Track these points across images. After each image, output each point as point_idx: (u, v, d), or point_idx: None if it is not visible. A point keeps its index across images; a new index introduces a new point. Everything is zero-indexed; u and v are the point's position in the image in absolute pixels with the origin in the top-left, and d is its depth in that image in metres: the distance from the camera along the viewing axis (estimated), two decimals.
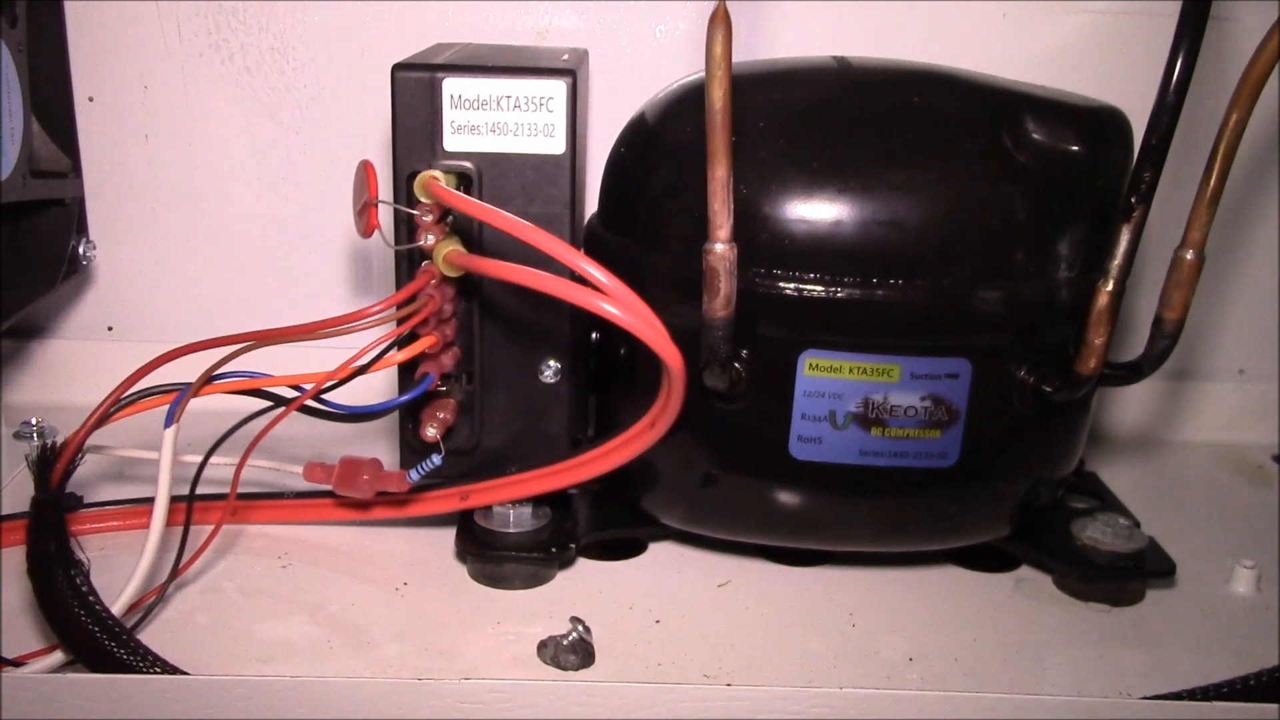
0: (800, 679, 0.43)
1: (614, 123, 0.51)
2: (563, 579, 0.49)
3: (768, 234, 0.44)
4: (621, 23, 0.62)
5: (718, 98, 0.39)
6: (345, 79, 0.61)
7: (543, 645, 0.44)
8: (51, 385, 0.64)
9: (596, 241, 0.50)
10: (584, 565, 0.50)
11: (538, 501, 0.49)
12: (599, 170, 0.51)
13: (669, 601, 0.48)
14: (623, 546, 0.52)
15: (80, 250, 0.56)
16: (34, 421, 0.59)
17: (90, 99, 0.60)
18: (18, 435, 0.59)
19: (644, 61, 0.62)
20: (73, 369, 0.64)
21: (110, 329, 0.64)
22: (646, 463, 0.46)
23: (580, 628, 0.43)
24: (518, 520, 0.48)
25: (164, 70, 0.60)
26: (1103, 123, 0.47)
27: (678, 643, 0.45)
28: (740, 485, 0.48)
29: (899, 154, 0.45)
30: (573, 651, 0.43)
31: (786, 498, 0.47)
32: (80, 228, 0.57)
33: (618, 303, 0.38)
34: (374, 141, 0.60)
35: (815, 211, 0.44)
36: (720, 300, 0.42)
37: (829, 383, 0.45)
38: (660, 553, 0.52)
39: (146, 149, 0.61)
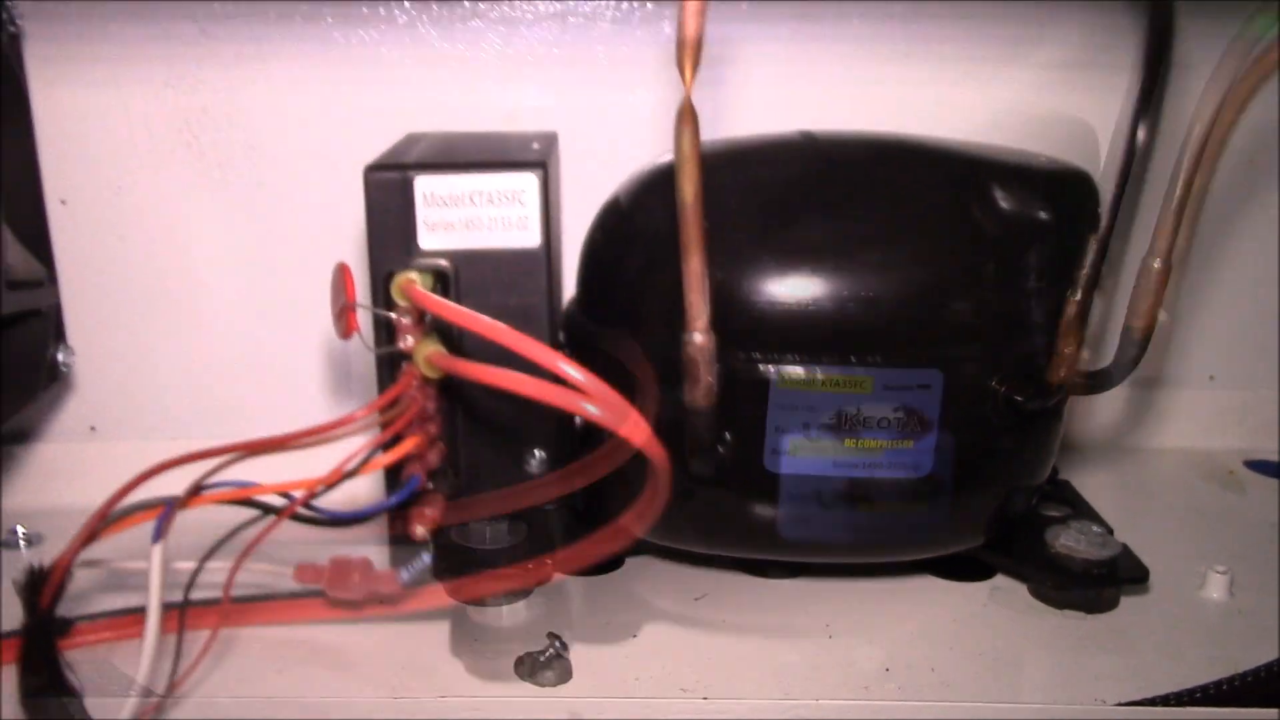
0: (777, 691, 0.44)
1: (587, 197, 0.52)
2: (539, 595, 0.50)
3: (745, 317, 0.45)
4: (590, 99, 0.62)
5: (688, 193, 0.40)
6: (317, 170, 0.62)
7: (519, 661, 0.44)
8: (36, 488, 0.64)
9: (575, 327, 0.51)
10: (560, 581, 0.51)
11: (514, 517, 0.49)
12: (575, 245, 0.52)
13: (646, 616, 0.49)
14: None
15: (60, 358, 0.57)
16: (20, 530, 0.58)
17: (63, 202, 0.61)
18: (4, 544, 0.58)
19: (615, 136, 0.62)
20: (57, 471, 0.64)
21: (93, 429, 0.64)
22: (622, 478, 0.46)
23: (557, 644, 0.44)
24: (494, 537, 0.49)
25: (136, 170, 0.61)
26: (1067, 185, 0.48)
27: (655, 657, 0.46)
28: (715, 499, 0.48)
29: (871, 233, 0.46)
30: (549, 667, 0.44)
31: (761, 511, 0.48)
32: (58, 335, 0.57)
33: (599, 402, 0.39)
34: (350, 230, 0.60)
35: (790, 297, 0.45)
36: (702, 390, 0.43)
37: (802, 395, 0.46)
38: (637, 567, 0.53)
39: (122, 250, 0.62)
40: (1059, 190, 0.48)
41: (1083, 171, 0.49)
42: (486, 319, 0.42)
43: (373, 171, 0.47)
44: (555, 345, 0.50)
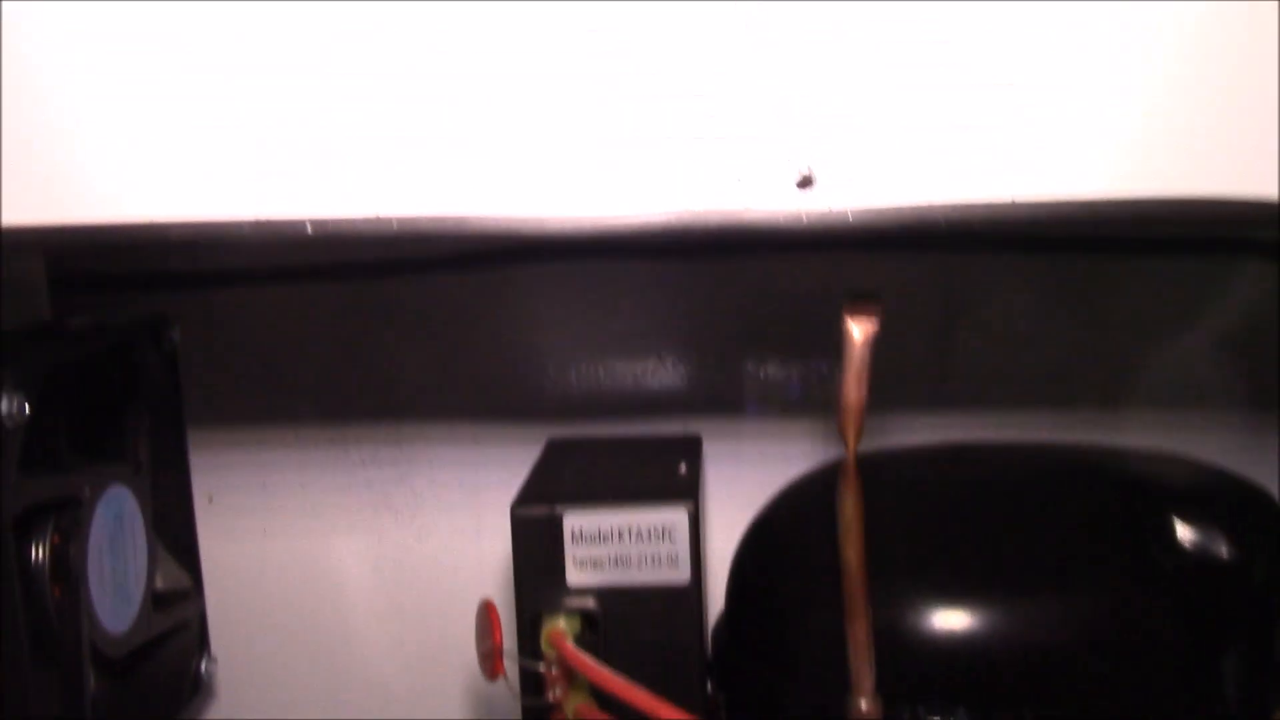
0: None
1: (734, 499, 0.51)
2: None
3: (909, 670, 0.42)
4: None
5: (853, 558, 0.39)
6: (463, 468, 0.62)
7: None
8: None
9: (723, 650, 0.49)
10: None
11: None
12: (721, 547, 0.50)
13: None
14: None
15: (203, 668, 0.56)
16: None
17: (210, 499, 0.61)
18: None
19: (759, 432, 0.61)
20: None
21: None
22: None
23: None
24: None
25: (281, 466, 0.62)
26: (1252, 512, 0.45)
27: None
28: None
29: (1042, 573, 0.44)
30: None
31: None
32: (202, 644, 0.57)
33: None
34: (493, 537, 0.60)
35: (957, 643, 0.42)
36: None
37: None
38: None
39: (265, 547, 0.62)
40: (1244, 517, 0.45)
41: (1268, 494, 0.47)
42: (640, 691, 0.41)
43: (520, 507, 0.46)
44: (704, 673, 0.48)
